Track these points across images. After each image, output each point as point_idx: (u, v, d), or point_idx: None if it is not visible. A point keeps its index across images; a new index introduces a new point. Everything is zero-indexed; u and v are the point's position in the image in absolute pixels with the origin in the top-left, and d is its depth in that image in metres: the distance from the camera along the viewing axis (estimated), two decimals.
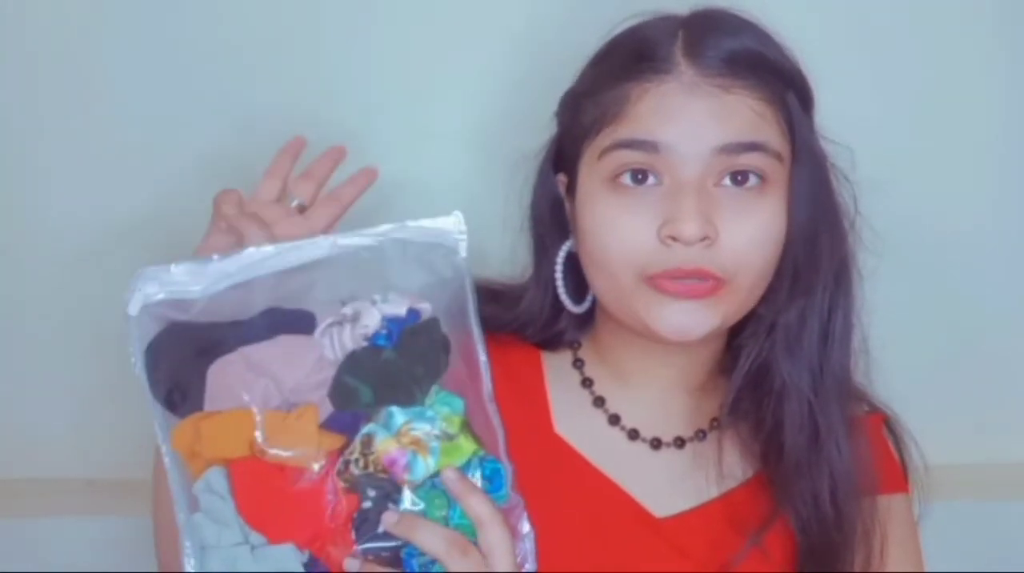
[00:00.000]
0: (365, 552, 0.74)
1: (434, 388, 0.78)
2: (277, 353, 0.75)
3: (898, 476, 0.98)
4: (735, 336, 0.94)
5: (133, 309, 0.75)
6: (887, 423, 0.99)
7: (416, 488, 0.75)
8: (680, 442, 0.95)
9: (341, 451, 0.75)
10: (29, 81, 1.19)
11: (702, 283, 0.85)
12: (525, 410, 0.95)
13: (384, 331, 0.77)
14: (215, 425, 0.74)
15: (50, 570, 1.24)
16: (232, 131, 1.18)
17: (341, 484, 0.74)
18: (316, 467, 0.74)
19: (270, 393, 0.75)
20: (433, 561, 0.75)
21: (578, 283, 0.94)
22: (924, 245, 1.20)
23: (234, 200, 0.87)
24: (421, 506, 0.75)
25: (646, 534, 0.91)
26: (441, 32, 1.17)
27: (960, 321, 1.23)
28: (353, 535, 0.74)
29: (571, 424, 0.95)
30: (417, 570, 0.75)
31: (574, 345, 0.99)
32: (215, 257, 0.76)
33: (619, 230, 0.86)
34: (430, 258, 0.79)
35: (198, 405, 0.75)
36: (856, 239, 0.93)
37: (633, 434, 0.95)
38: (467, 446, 0.77)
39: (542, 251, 0.97)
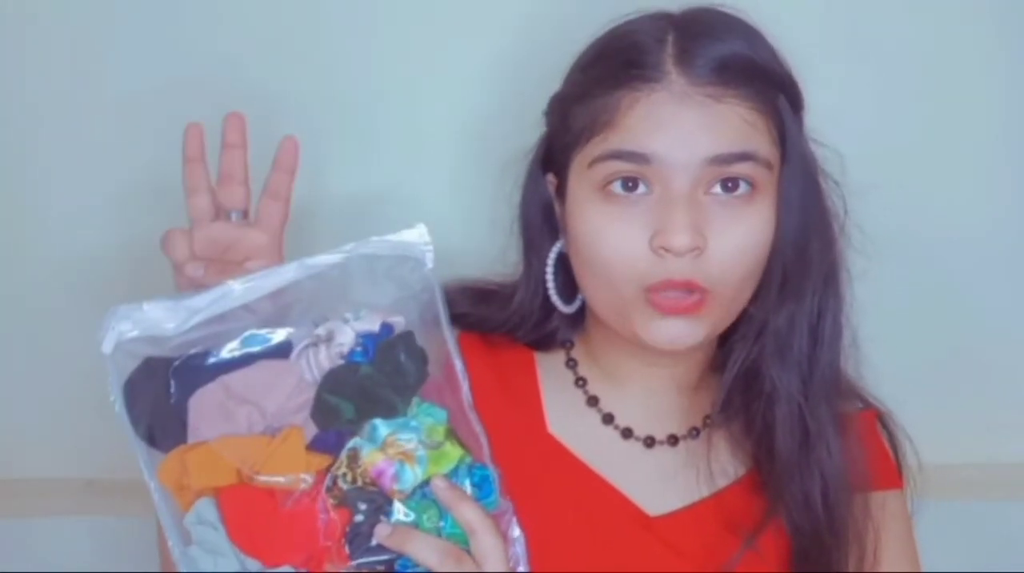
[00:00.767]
0: (359, 566, 0.75)
1: (415, 400, 0.79)
2: (257, 379, 0.76)
3: (892, 472, 0.98)
4: (728, 334, 0.94)
5: (107, 347, 0.76)
6: (881, 419, 0.99)
7: (406, 499, 0.76)
8: (674, 440, 0.95)
9: (328, 470, 0.76)
10: (29, 81, 1.19)
11: (689, 298, 0.85)
12: (519, 411, 0.95)
13: (359, 348, 0.78)
14: (201, 456, 0.75)
15: (50, 570, 1.24)
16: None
17: (331, 501, 0.75)
18: (305, 488, 0.75)
19: (254, 419, 0.76)
20: (427, 572, 0.75)
21: (567, 283, 0.94)
22: (921, 245, 1.20)
23: (181, 243, 0.85)
24: (412, 517, 0.76)
25: (639, 533, 0.92)
26: (432, 33, 1.17)
27: (958, 321, 1.23)
28: (347, 550, 0.75)
29: (565, 424, 0.95)
30: None
31: (566, 345, 0.99)
32: (187, 294, 0.77)
33: (612, 239, 0.86)
34: (398, 272, 0.80)
35: (181, 438, 0.76)
36: (846, 241, 0.93)
37: (627, 433, 0.95)
38: (454, 452, 0.77)
39: (531, 251, 0.96)
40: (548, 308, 0.96)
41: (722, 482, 0.93)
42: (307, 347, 0.78)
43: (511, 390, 0.96)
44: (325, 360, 0.77)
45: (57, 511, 1.26)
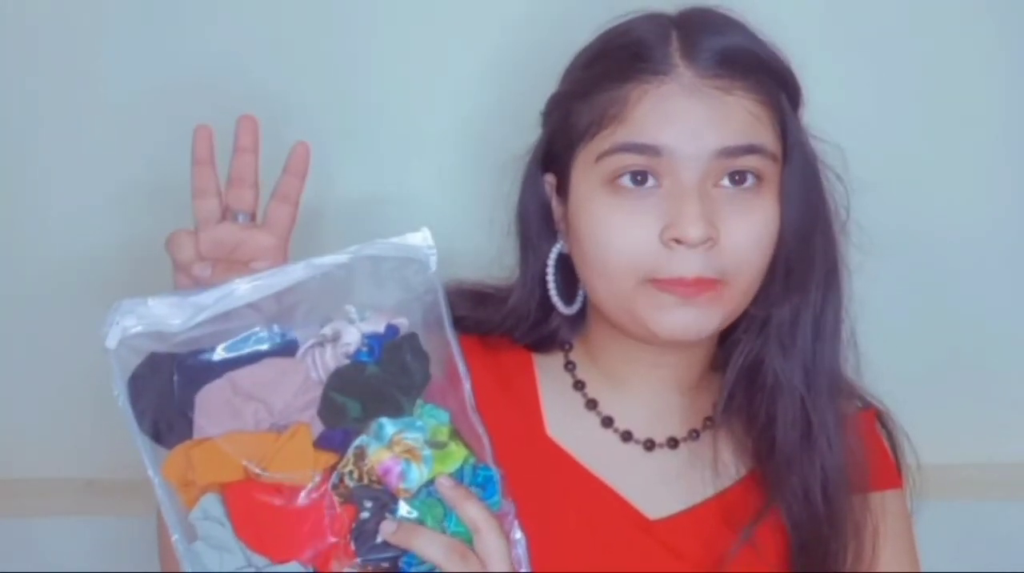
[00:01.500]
0: (365, 563, 0.75)
1: (418, 402, 0.79)
2: (264, 376, 0.76)
3: (892, 472, 0.98)
4: (727, 334, 0.94)
5: (111, 342, 0.76)
6: (880, 418, 1.00)
7: (411, 498, 0.76)
8: (673, 442, 0.95)
9: (334, 467, 0.76)
10: (28, 82, 1.19)
11: (704, 285, 0.85)
12: (517, 414, 0.95)
13: (365, 348, 0.78)
14: (207, 452, 0.75)
15: (50, 570, 1.24)
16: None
17: (337, 498, 0.75)
18: (312, 484, 0.75)
19: (260, 416, 0.76)
20: (432, 569, 0.75)
21: (567, 284, 0.94)
22: (921, 245, 1.20)
23: (187, 244, 0.86)
24: (416, 516, 0.76)
25: (640, 536, 0.92)
26: (431, 34, 1.17)
27: (958, 321, 1.23)
28: (353, 547, 0.75)
29: (564, 427, 0.95)
30: None
31: (565, 347, 0.98)
32: (193, 290, 0.78)
33: (620, 233, 0.86)
34: (402, 274, 0.80)
35: (187, 433, 0.76)
36: (845, 236, 0.93)
37: (626, 436, 0.95)
38: (459, 452, 0.78)
39: (529, 252, 0.96)
40: (546, 309, 0.96)
41: (723, 483, 0.93)
42: (313, 346, 0.78)
43: (510, 392, 0.96)
44: (331, 359, 0.78)
45: (57, 511, 1.26)
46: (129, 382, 0.76)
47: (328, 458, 0.76)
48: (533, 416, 0.96)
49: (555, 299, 0.94)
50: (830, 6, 1.17)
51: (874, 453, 0.96)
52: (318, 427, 0.77)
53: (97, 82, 1.18)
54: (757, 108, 0.86)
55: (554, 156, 0.93)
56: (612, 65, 0.88)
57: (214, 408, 0.75)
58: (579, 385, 0.97)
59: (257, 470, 0.74)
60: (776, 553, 0.92)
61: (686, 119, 0.85)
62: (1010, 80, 1.18)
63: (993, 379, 1.25)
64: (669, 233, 0.84)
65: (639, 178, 0.86)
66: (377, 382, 0.77)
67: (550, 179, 0.94)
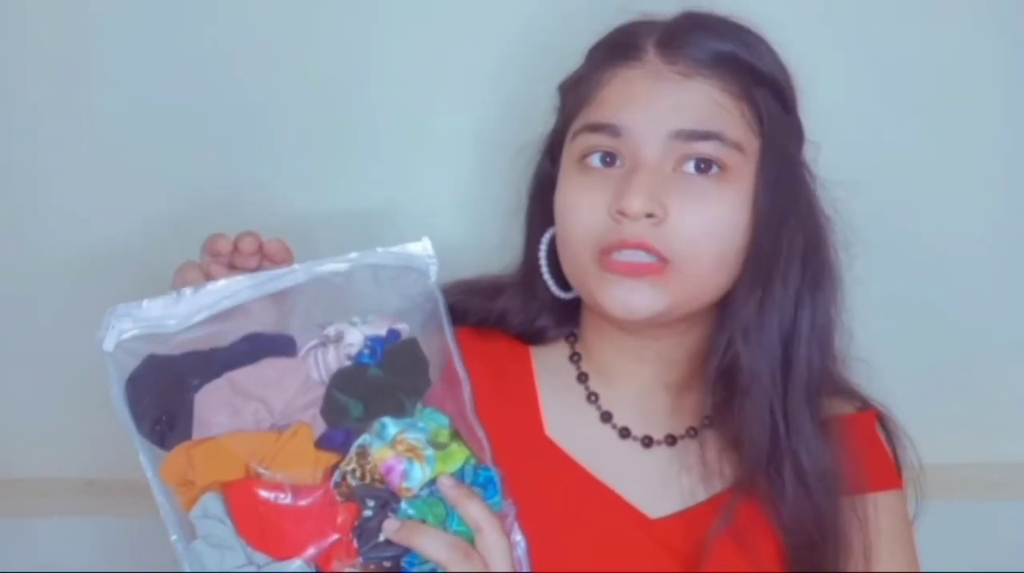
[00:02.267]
0: (366, 561, 0.75)
1: (418, 405, 0.79)
2: (264, 376, 0.77)
3: (891, 473, 0.97)
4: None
5: (108, 345, 0.76)
6: (880, 420, 0.99)
7: (413, 497, 0.77)
8: (671, 440, 0.95)
9: (336, 466, 0.76)
10: (28, 84, 1.19)
11: (645, 261, 0.86)
12: (515, 411, 0.95)
13: (367, 349, 0.79)
14: (207, 451, 0.75)
15: (50, 570, 1.24)
16: (230, 131, 1.18)
17: (339, 497, 0.75)
18: (314, 482, 0.75)
19: (261, 416, 0.76)
20: (434, 568, 0.76)
21: (562, 273, 0.95)
22: (921, 245, 1.20)
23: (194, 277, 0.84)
24: (418, 515, 0.76)
25: (638, 535, 0.91)
26: (441, 29, 1.17)
27: (958, 321, 1.23)
28: (355, 545, 0.76)
29: (562, 424, 0.95)
30: None
31: (570, 338, 0.99)
32: (188, 290, 0.78)
33: (578, 208, 0.89)
34: (402, 283, 0.81)
35: (186, 433, 0.76)
36: (835, 239, 0.93)
37: (624, 432, 0.95)
38: (460, 452, 0.79)
39: (531, 238, 0.98)
40: (544, 298, 0.97)
41: (719, 485, 0.93)
42: (315, 347, 0.79)
43: (506, 386, 0.96)
44: (333, 360, 0.78)
45: (57, 511, 1.26)
46: (127, 384, 0.76)
47: (330, 457, 0.76)
48: (531, 414, 0.96)
49: (546, 277, 0.95)
50: (830, 6, 1.17)
51: (872, 454, 0.95)
52: (320, 427, 0.77)
53: (93, 79, 1.18)
54: (723, 97, 0.88)
55: (555, 143, 0.96)
56: (599, 55, 0.93)
57: (214, 407, 0.76)
58: (583, 377, 0.97)
59: (259, 469, 0.74)
60: (770, 555, 0.91)
61: (646, 100, 0.88)
62: (1010, 80, 1.18)
63: (992, 379, 1.24)
64: (615, 205, 0.86)
65: (608, 159, 0.89)
66: (380, 383, 0.78)
67: (556, 168, 0.96)
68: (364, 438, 0.76)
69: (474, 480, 0.79)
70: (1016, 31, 1.17)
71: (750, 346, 0.89)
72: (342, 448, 0.77)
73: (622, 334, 0.92)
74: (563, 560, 0.89)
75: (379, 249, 0.80)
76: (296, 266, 0.79)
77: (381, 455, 0.76)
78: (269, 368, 0.77)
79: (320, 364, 0.78)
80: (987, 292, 1.23)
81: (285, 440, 0.75)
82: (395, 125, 1.18)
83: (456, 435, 0.79)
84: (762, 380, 0.89)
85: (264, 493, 0.74)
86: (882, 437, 0.98)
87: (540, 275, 0.96)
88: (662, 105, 0.88)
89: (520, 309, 0.98)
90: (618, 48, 0.91)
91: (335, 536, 0.75)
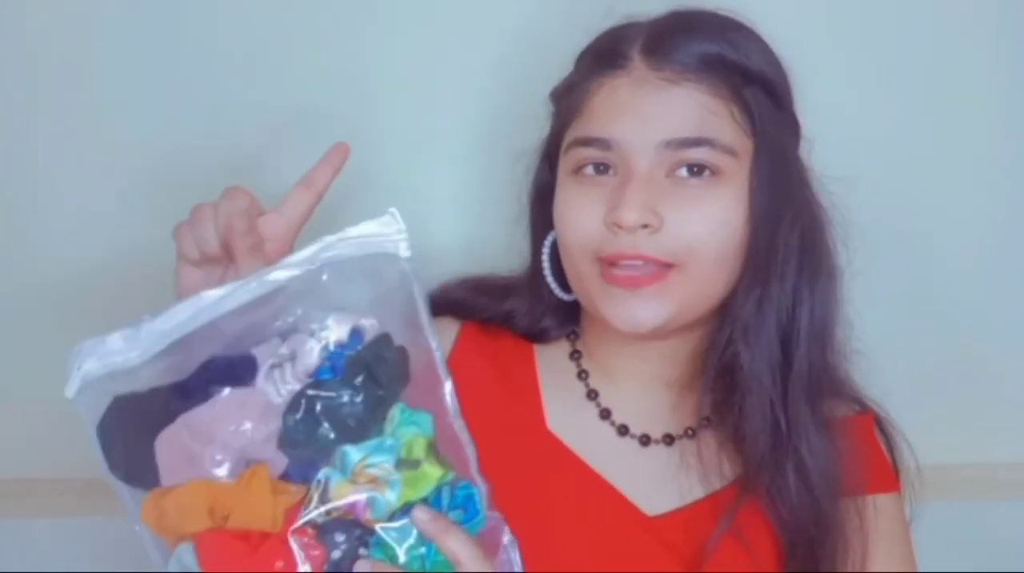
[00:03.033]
0: None
1: (398, 408, 0.75)
2: (219, 414, 0.72)
3: (888, 475, 0.98)
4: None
5: (70, 391, 0.73)
6: (878, 422, 0.99)
7: (390, 522, 0.73)
8: (669, 439, 0.95)
9: (302, 502, 0.72)
10: (28, 86, 1.19)
11: (645, 272, 0.86)
12: (518, 406, 0.97)
13: (327, 364, 0.74)
14: (173, 501, 0.73)
15: (50, 570, 1.24)
16: (230, 128, 1.18)
17: (310, 534, 0.72)
18: (274, 529, 0.72)
19: (219, 459, 0.72)
20: None
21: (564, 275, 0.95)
22: (920, 245, 1.20)
23: (207, 216, 0.82)
24: (393, 547, 0.73)
25: (638, 532, 0.92)
26: (440, 29, 1.18)
27: (957, 321, 1.23)
28: None
29: (563, 419, 0.96)
30: None
31: (571, 336, 0.99)
32: (146, 317, 0.74)
33: (574, 217, 0.90)
34: (373, 266, 0.75)
35: (156, 479, 0.73)
36: (834, 235, 0.93)
37: (623, 430, 0.95)
38: (432, 473, 0.74)
39: (535, 242, 0.99)
40: (549, 300, 0.98)
41: (717, 483, 0.94)
42: (273, 368, 0.74)
43: (510, 382, 0.97)
44: (292, 380, 0.73)
45: (57, 511, 1.26)
46: (98, 431, 0.74)
47: (293, 496, 0.72)
48: (533, 408, 0.97)
49: (549, 279, 0.96)
50: (830, 6, 1.17)
51: (870, 457, 0.96)
52: (284, 458, 0.73)
53: (92, 78, 1.18)
54: (711, 101, 0.88)
55: (552, 150, 0.96)
56: (586, 62, 0.94)
57: (172, 456, 0.73)
58: (583, 374, 0.97)
59: (220, 519, 0.71)
60: (769, 552, 0.92)
61: (634, 111, 0.88)
62: (1011, 80, 1.17)
63: (992, 379, 1.25)
64: (610, 217, 0.87)
65: (601, 168, 0.89)
66: (339, 404, 0.73)
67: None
68: (324, 472, 0.72)
69: (452, 502, 0.75)
70: (1016, 28, 1.16)
71: (749, 344, 0.89)
72: (309, 477, 0.72)
73: (623, 335, 0.92)
74: (561, 553, 0.90)
75: (338, 235, 0.74)
76: (251, 278, 0.73)
77: (339, 492, 0.72)
78: (224, 404, 0.72)
79: (280, 387, 0.73)
80: (987, 291, 1.22)
81: (242, 487, 0.72)
82: (396, 128, 1.18)
83: (432, 448, 0.75)
84: (762, 378, 0.89)
85: (229, 542, 0.71)
86: (880, 440, 0.98)
87: (544, 278, 0.96)
88: (650, 115, 0.88)
89: (526, 311, 1.00)
90: (604, 56, 0.91)
91: None
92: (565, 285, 0.95)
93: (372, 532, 0.73)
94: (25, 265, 1.23)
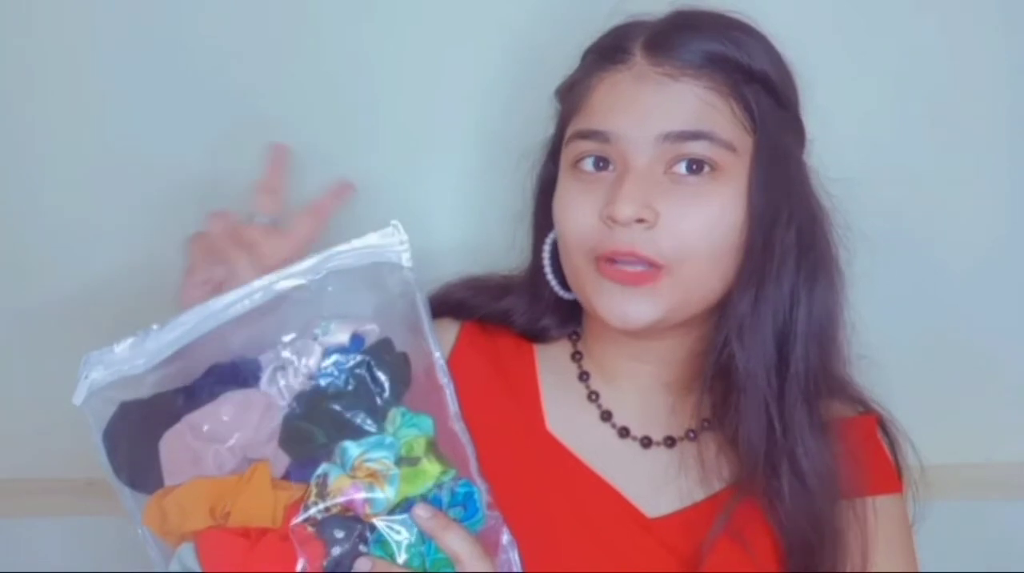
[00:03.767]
0: None
1: (398, 411, 0.76)
2: (222, 414, 0.74)
3: (891, 476, 0.97)
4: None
5: (78, 398, 0.75)
6: (880, 423, 0.99)
7: (390, 518, 0.73)
8: (670, 441, 0.95)
9: (303, 499, 0.73)
10: (36, 98, 1.19)
11: (638, 270, 0.86)
12: (517, 407, 0.96)
13: (329, 366, 0.75)
14: (175, 500, 0.74)
15: (50, 570, 1.24)
16: (230, 133, 1.18)
17: (309, 531, 0.72)
18: (274, 525, 0.72)
19: (222, 458, 0.74)
20: None
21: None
22: (920, 245, 1.20)
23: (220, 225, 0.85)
24: (394, 544, 0.73)
25: (638, 534, 0.92)
26: (442, 29, 1.18)
27: (958, 321, 1.23)
28: None
29: (563, 421, 0.96)
30: None
31: (572, 337, 0.99)
32: (154, 327, 0.75)
33: (571, 212, 0.90)
34: (374, 276, 0.77)
35: (159, 482, 0.74)
36: (836, 238, 0.93)
37: (623, 432, 0.95)
38: (431, 469, 0.75)
39: (537, 240, 0.99)
40: (549, 298, 0.97)
41: (718, 485, 0.93)
42: (276, 370, 0.76)
43: (509, 382, 0.97)
44: (295, 382, 0.75)
45: (57, 511, 1.26)
46: (104, 436, 0.75)
47: (293, 493, 0.73)
48: (533, 409, 0.96)
49: (549, 278, 0.96)
50: (833, 7, 1.17)
51: (871, 458, 0.95)
52: (286, 458, 0.74)
53: (91, 77, 1.18)
54: (711, 96, 0.87)
55: (556, 147, 0.96)
56: (590, 59, 0.94)
57: (175, 455, 0.74)
58: (584, 376, 0.97)
59: (221, 516, 0.72)
60: (769, 552, 0.91)
61: (633, 104, 0.88)
62: (1013, 81, 1.17)
63: (993, 379, 1.25)
64: (605, 211, 0.87)
65: (601, 164, 0.89)
66: (340, 403, 0.74)
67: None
68: (323, 467, 0.73)
69: (452, 500, 0.76)
70: (1018, 29, 1.16)
71: (744, 345, 0.89)
72: (309, 477, 0.73)
73: (622, 336, 0.92)
74: (560, 553, 0.90)
75: (342, 246, 0.76)
76: (256, 287, 0.75)
77: (339, 485, 0.72)
78: (227, 404, 0.74)
79: (283, 389, 0.75)
80: (988, 292, 1.22)
81: (243, 484, 0.72)
82: (399, 127, 1.18)
83: (432, 447, 0.76)
84: (757, 379, 0.89)
85: (229, 540, 0.72)
86: (882, 441, 0.98)
87: (544, 276, 0.96)
88: (649, 108, 0.87)
89: (525, 309, 0.99)
90: (607, 52, 0.91)
91: None
92: (566, 284, 0.95)
93: (372, 529, 0.73)
94: (25, 267, 1.23)
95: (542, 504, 0.91)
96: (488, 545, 0.77)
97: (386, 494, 0.73)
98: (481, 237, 1.15)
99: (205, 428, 0.73)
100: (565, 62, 0.96)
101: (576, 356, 0.99)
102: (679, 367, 0.95)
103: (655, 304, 0.87)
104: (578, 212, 0.89)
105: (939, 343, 1.23)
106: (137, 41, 1.17)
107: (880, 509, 0.93)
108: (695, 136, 0.86)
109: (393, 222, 0.78)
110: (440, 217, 1.19)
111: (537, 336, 1.00)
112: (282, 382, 0.75)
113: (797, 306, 0.89)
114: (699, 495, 0.93)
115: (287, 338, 0.76)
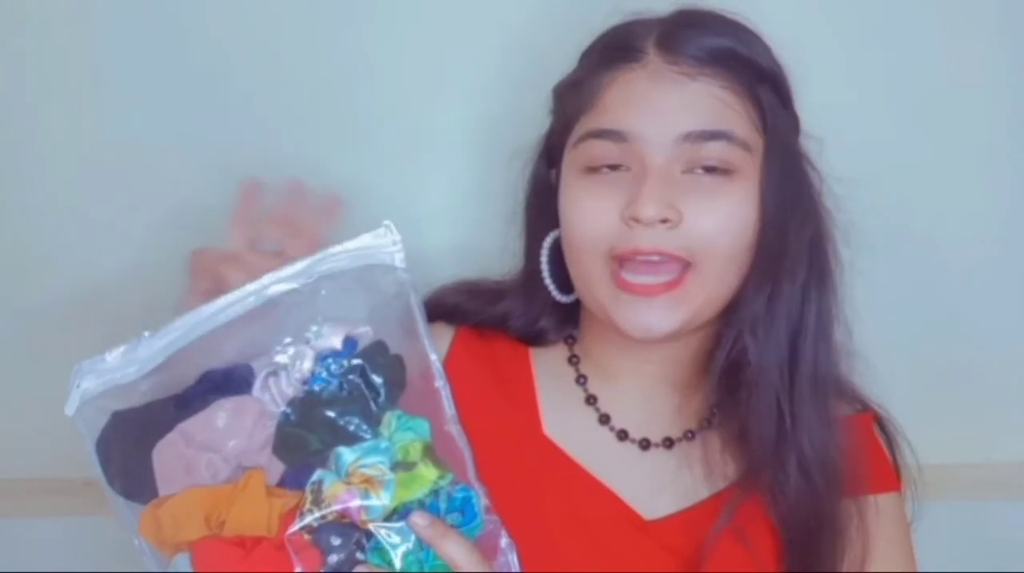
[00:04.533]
0: None
1: (394, 414, 0.75)
2: (215, 422, 0.73)
3: (889, 475, 0.98)
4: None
5: (70, 409, 0.74)
6: (878, 422, 0.99)
7: (387, 524, 0.73)
8: (669, 443, 0.95)
9: (298, 506, 0.72)
10: (40, 99, 1.19)
11: (661, 279, 0.86)
12: (514, 411, 0.96)
13: (322, 372, 0.75)
14: (169, 510, 0.73)
15: (50, 570, 1.24)
16: (229, 134, 1.18)
17: (306, 538, 0.72)
18: (269, 533, 0.72)
19: (216, 466, 0.73)
20: None
21: (565, 276, 0.94)
22: (920, 244, 1.20)
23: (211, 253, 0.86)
24: (391, 550, 0.73)
25: (636, 537, 0.92)
26: (439, 30, 1.17)
27: (958, 321, 1.23)
28: None
29: (560, 424, 0.96)
30: None
31: (568, 340, 0.98)
32: (146, 334, 0.74)
33: (587, 213, 0.88)
34: (368, 278, 0.76)
35: (154, 492, 0.74)
36: (838, 236, 0.93)
37: (622, 435, 0.95)
38: (428, 474, 0.74)
39: (531, 240, 0.98)
40: (546, 302, 0.97)
41: (718, 484, 0.93)
42: (268, 376, 0.75)
43: (506, 387, 0.97)
44: (288, 388, 0.74)
45: (57, 511, 1.26)
46: (97, 446, 0.75)
47: (288, 500, 0.73)
48: (529, 413, 0.96)
49: (547, 281, 0.95)
50: (831, 7, 1.16)
51: (870, 456, 0.95)
52: (280, 465, 0.74)
53: (90, 76, 1.18)
54: (727, 95, 0.88)
55: (553, 148, 0.95)
56: (595, 56, 0.93)
57: (169, 465, 0.73)
58: (581, 379, 0.97)
59: (216, 525, 0.72)
60: (769, 550, 0.91)
61: (651, 104, 0.87)
62: (1012, 81, 1.17)
63: (993, 379, 1.24)
64: (627, 211, 0.86)
65: (612, 164, 0.88)
66: (333, 409, 0.74)
67: (554, 172, 0.95)
68: (318, 474, 0.73)
69: (449, 505, 0.75)
70: (1018, 29, 1.16)
71: (758, 341, 0.89)
72: (304, 484, 0.72)
73: (626, 339, 0.91)
74: (559, 557, 0.90)
75: (335, 248, 0.75)
76: (249, 291, 0.74)
77: (334, 492, 0.72)
78: (220, 411, 0.73)
79: (276, 395, 0.74)
80: (988, 291, 1.22)
81: (237, 492, 0.72)
82: (392, 128, 1.18)
83: (429, 450, 0.75)
84: (770, 374, 0.89)
85: (224, 550, 0.71)
86: (880, 439, 0.98)
87: (541, 279, 0.95)
88: (668, 107, 0.87)
89: (521, 313, 0.99)
90: (616, 50, 0.90)
91: None
92: (563, 286, 0.95)
93: (370, 536, 0.73)
94: (26, 267, 1.23)
95: (539, 508, 0.91)
96: (487, 549, 0.76)
97: (382, 500, 0.72)
98: (477, 238, 1.15)
99: (198, 437, 0.73)
100: (565, 62, 0.96)
101: (573, 359, 0.98)
102: (685, 366, 0.95)
103: (677, 309, 0.87)
104: (593, 212, 0.88)
105: (939, 343, 1.23)
106: (137, 41, 1.17)
107: (879, 507, 0.93)
108: (715, 136, 0.86)
109: (386, 222, 0.77)
110: (432, 220, 1.19)
111: (534, 339, 0.99)
112: (275, 388, 0.74)
113: (808, 303, 0.90)
114: (702, 494, 0.93)
115: (280, 343, 0.75)
